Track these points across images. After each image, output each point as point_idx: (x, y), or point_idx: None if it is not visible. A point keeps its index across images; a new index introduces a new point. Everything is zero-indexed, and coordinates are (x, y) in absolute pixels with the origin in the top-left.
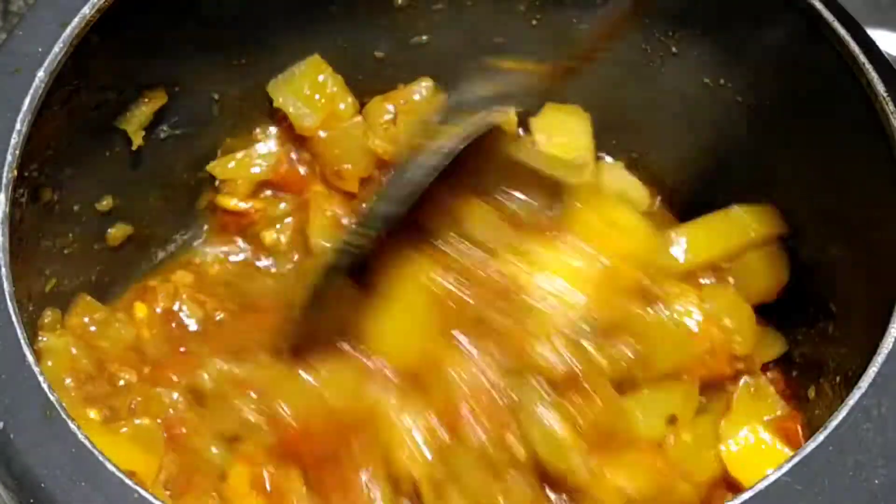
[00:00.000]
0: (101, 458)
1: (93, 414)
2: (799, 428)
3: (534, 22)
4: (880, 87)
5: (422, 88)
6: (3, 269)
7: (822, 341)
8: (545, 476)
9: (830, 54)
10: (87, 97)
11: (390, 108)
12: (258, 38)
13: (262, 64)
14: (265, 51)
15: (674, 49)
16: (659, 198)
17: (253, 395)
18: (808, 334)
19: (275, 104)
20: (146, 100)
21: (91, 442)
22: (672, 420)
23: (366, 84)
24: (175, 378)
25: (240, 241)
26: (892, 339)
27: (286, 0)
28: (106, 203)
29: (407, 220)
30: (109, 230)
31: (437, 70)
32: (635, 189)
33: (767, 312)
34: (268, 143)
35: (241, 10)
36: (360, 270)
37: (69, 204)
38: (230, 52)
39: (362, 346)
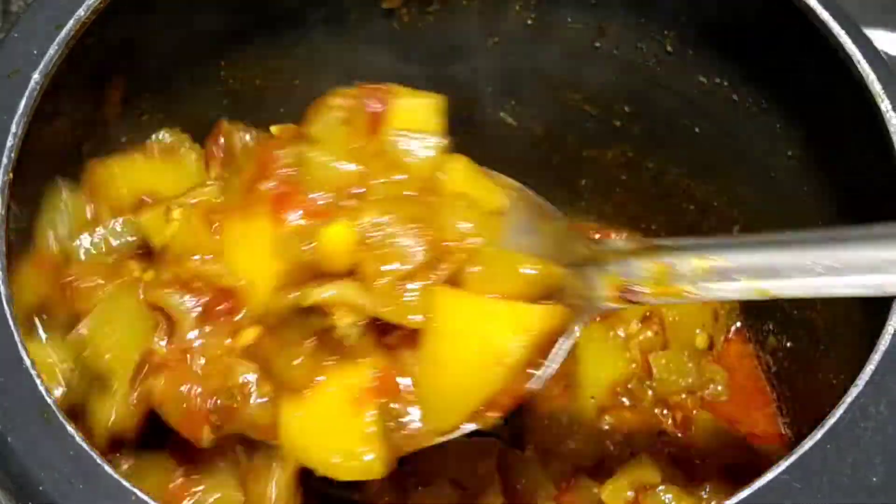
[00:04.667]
0: (98, 460)
1: None
2: None
3: (529, 21)
4: (877, 87)
5: None
6: (0, 273)
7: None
8: None
9: (826, 53)
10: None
11: None
12: (249, 42)
13: (252, 68)
14: (256, 56)
15: (668, 48)
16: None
17: None
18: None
19: None
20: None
21: (89, 443)
22: None
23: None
24: None
25: None
26: (890, 337)
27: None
28: None
29: None
30: None
31: None
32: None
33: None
34: None
35: (232, 17)
36: None
37: None
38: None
39: None
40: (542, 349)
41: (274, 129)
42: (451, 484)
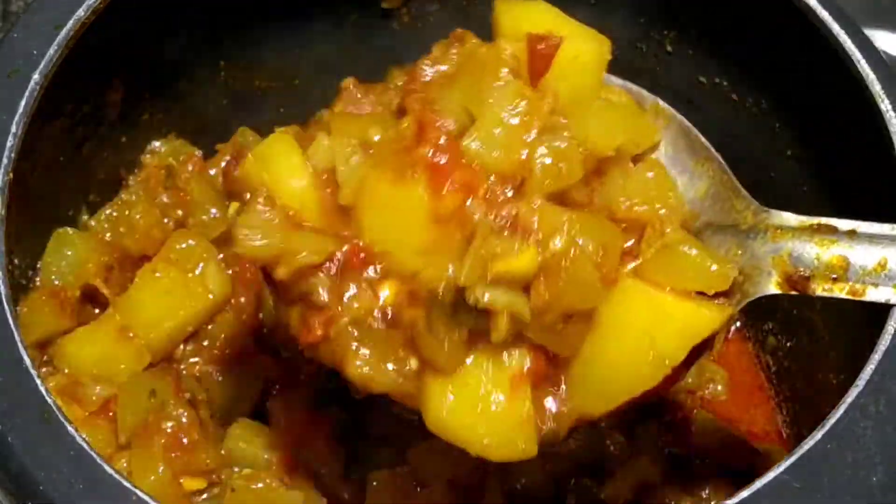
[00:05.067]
0: (98, 459)
1: None
2: None
3: None
4: (877, 87)
5: None
6: (0, 273)
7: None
8: None
9: (826, 52)
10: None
11: None
12: (249, 43)
13: (252, 69)
14: (255, 56)
15: (668, 48)
16: None
17: None
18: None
19: None
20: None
21: (88, 443)
22: None
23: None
24: None
25: None
26: (890, 337)
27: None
28: None
29: None
30: None
31: None
32: None
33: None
34: None
35: (231, 18)
36: None
37: None
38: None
39: None
40: (701, 348)
41: (279, 131)
42: (449, 485)
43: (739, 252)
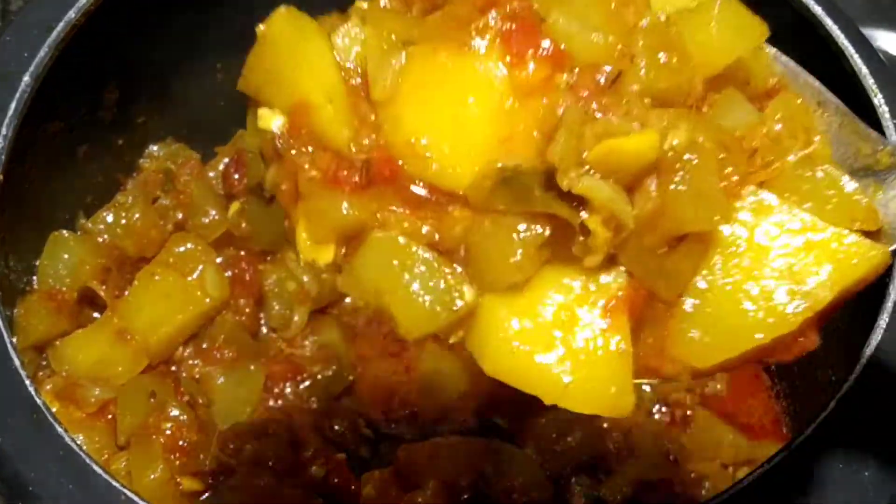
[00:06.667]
0: (88, 460)
1: None
2: None
3: None
4: (870, 81)
5: None
6: None
7: None
8: None
9: (821, 49)
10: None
11: None
12: (245, 44)
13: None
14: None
15: None
16: None
17: None
18: None
19: None
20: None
21: (78, 445)
22: None
23: None
24: None
25: None
26: (881, 333)
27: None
28: None
29: None
30: None
31: None
32: None
33: None
34: None
35: (227, 19)
36: None
37: None
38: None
39: None
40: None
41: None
42: (443, 485)
43: (880, 194)
